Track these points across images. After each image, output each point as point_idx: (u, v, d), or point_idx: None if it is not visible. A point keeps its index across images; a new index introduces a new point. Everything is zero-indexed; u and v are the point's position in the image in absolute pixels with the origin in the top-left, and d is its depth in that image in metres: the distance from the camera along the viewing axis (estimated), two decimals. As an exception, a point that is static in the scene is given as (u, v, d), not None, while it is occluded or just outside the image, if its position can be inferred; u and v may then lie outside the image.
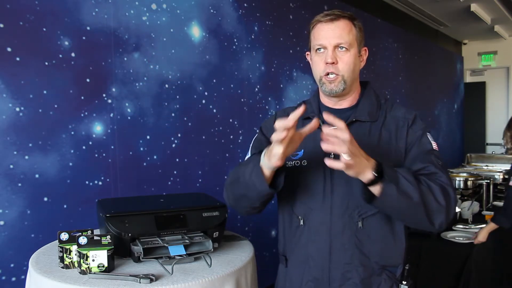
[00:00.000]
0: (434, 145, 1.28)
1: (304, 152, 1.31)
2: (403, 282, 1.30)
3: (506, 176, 3.56)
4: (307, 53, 1.39)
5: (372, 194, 1.12)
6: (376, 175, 1.09)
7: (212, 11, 2.75)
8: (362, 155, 1.08)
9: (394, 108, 1.34)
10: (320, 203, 1.28)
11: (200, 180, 2.66)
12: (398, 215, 1.20)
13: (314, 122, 1.12)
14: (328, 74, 1.26)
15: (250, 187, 1.20)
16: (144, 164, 2.37)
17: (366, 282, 1.26)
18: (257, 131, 1.46)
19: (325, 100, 1.36)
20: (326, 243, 1.27)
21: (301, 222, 1.31)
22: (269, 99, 3.17)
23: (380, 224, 1.26)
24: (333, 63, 1.25)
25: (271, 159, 1.12)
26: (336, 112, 1.34)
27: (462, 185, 3.27)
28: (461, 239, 2.62)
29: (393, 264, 1.29)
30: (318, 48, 1.28)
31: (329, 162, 1.07)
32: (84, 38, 2.12)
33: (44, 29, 1.98)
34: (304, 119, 1.36)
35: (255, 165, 1.18)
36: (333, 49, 1.25)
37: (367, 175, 1.09)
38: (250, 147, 1.42)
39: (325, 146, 1.06)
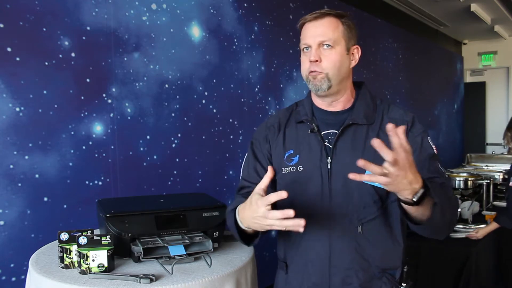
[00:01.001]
0: (435, 149, 1.27)
1: (299, 157, 1.30)
2: (402, 284, 1.30)
3: (506, 176, 3.56)
4: None
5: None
6: (414, 200, 1.03)
7: (212, 11, 2.75)
8: (411, 169, 0.98)
9: (391, 109, 1.32)
10: (318, 209, 1.26)
11: (200, 180, 2.66)
12: (424, 231, 1.16)
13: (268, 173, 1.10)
14: (312, 72, 1.25)
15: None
16: (144, 164, 2.37)
17: (366, 286, 1.25)
18: (253, 138, 1.44)
19: (318, 102, 1.34)
20: (325, 249, 1.26)
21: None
22: (269, 99, 3.17)
23: (379, 228, 1.26)
24: (316, 61, 1.23)
25: (254, 224, 1.12)
26: (331, 115, 1.33)
27: (462, 185, 3.27)
28: (460, 233, 2.64)
29: (392, 267, 1.28)
30: (305, 47, 1.27)
31: (367, 177, 0.97)
32: (84, 38, 2.12)
33: (44, 29, 1.98)
34: (297, 123, 1.35)
35: (232, 226, 1.21)
36: (317, 47, 1.24)
37: (407, 196, 1.03)
38: (242, 168, 1.43)
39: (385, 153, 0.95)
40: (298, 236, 1.30)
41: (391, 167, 0.94)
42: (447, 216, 1.11)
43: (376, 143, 0.94)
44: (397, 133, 0.93)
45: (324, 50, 1.24)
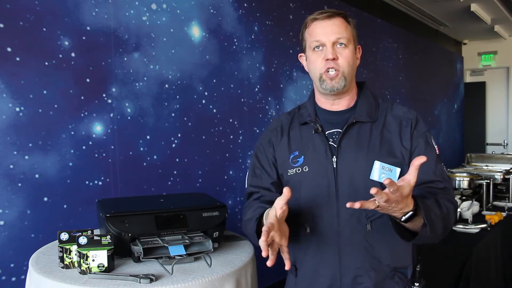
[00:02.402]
0: (437, 149, 1.29)
1: (304, 158, 1.29)
2: (415, 283, 1.29)
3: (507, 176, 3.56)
4: (300, 55, 1.38)
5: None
6: (402, 220, 1.10)
7: (212, 11, 2.75)
8: (403, 201, 1.04)
9: (395, 107, 1.32)
10: (325, 209, 1.26)
11: (200, 180, 2.66)
12: (416, 241, 1.19)
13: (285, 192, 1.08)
14: (328, 70, 1.25)
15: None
16: (144, 164, 2.37)
17: (379, 287, 1.25)
18: (256, 144, 1.45)
19: (322, 102, 1.35)
20: (335, 249, 1.25)
21: (308, 230, 1.28)
22: (269, 99, 3.17)
23: (389, 226, 1.25)
24: (334, 59, 1.24)
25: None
26: (334, 115, 1.33)
27: (462, 185, 3.27)
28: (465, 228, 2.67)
29: (403, 265, 1.28)
30: (317, 46, 1.26)
31: (349, 204, 1.02)
32: (84, 38, 2.12)
33: (44, 29, 1.98)
34: (301, 125, 1.35)
35: (254, 232, 1.21)
36: (332, 45, 1.24)
37: (397, 216, 1.10)
38: (247, 175, 1.44)
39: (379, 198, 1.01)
40: (306, 238, 1.29)
41: (384, 203, 1.01)
42: (439, 230, 1.13)
43: (374, 191, 0.97)
44: (391, 182, 0.97)
45: (338, 48, 1.25)
